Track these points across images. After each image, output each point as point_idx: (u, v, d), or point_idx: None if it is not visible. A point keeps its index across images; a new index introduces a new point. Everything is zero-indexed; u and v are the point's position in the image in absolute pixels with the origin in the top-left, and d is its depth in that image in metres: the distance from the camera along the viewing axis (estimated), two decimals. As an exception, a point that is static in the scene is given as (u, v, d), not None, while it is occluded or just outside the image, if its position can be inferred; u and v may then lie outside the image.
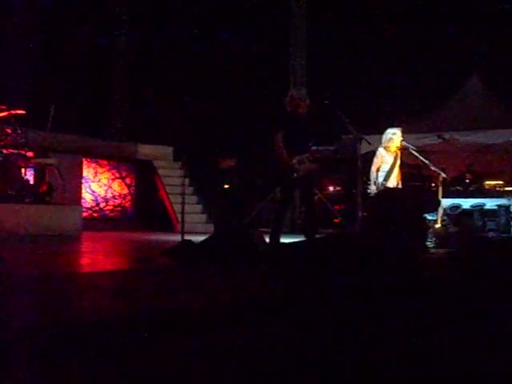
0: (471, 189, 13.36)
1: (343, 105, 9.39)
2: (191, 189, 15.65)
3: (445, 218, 11.38)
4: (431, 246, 10.40)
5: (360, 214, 9.34)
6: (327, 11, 17.15)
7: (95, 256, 7.96)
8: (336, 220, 15.62)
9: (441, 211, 11.04)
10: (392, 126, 10.10)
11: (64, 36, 15.75)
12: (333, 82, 15.68)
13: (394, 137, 9.75)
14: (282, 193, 8.78)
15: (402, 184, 9.95)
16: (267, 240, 8.00)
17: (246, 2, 17.18)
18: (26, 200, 10.73)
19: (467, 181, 13.57)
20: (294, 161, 8.01)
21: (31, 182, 11.70)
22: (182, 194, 9.55)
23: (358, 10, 17.10)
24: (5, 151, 10.75)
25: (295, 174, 8.04)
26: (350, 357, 2.16)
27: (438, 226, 10.84)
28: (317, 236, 7.97)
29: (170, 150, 16.79)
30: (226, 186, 17.61)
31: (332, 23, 17.13)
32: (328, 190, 17.93)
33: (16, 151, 10.90)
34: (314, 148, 8.39)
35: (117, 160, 16.04)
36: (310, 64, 17.40)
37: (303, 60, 17.40)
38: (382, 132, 10.04)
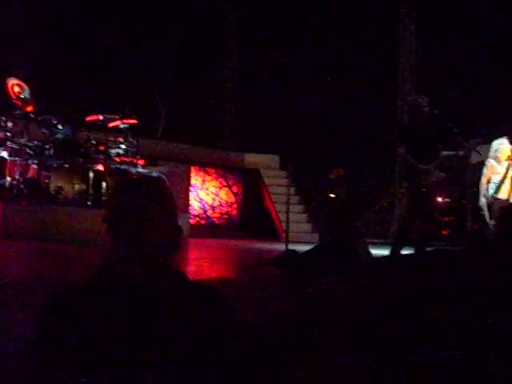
0: None
1: (453, 114, 9.15)
2: (297, 198, 15.65)
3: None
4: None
5: (469, 226, 9.08)
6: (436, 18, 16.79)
7: (201, 263, 8.10)
8: (444, 232, 15.25)
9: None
10: (498, 136, 9.76)
11: (182, 48, 16.13)
12: (442, 90, 15.29)
13: (500, 147, 9.41)
14: (411, 203, 8.57)
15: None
16: (388, 251, 7.91)
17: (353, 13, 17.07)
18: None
19: None
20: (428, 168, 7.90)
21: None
22: (287, 203, 9.58)
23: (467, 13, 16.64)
24: (117, 159, 11.13)
25: (425, 184, 7.92)
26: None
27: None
28: (427, 249, 7.79)
29: (276, 158, 16.87)
30: (332, 196, 17.52)
31: (439, 29, 16.75)
32: (436, 200, 17.51)
33: (128, 159, 11.26)
34: (443, 155, 8.24)
35: (224, 169, 16.28)
36: (419, 74, 17.13)
37: (412, 69, 17.19)
38: (490, 142, 9.73)
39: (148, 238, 1.97)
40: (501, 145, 9.43)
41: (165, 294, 1.90)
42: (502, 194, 9.30)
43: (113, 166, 10.82)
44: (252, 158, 16.76)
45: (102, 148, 10.88)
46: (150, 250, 1.95)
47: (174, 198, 2.17)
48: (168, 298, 1.90)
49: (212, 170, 16.05)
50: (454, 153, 8.53)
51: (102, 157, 10.83)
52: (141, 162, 11.65)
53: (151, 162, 12.70)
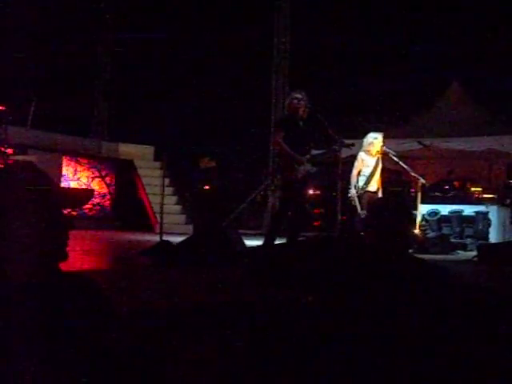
0: (450, 195, 13.36)
1: (324, 110, 9.37)
2: (171, 189, 15.58)
3: (423, 223, 11.41)
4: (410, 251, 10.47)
5: (339, 217, 9.33)
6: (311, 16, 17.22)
7: (72, 255, 7.90)
8: (316, 223, 15.66)
9: (419, 217, 11.08)
10: (374, 130, 10.10)
11: (48, 33, 15.68)
12: (314, 86, 15.67)
13: (375, 141, 9.73)
14: (283, 194, 8.62)
15: (383, 189, 9.96)
16: (261, 242, 7.98)
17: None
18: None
19: (446, 187, 13.57)
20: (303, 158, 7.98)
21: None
22: (161, 195, 9.52)
23: (343, 16, 17.18)
24: (-17, 148, 10.69)
25: (298, 175, 7.99)
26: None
27: (416, 231, 10.88)
28: (299, 239, 7.94)
29: (151, 149, 16.71)
30: (207, 187, 17.59)
31: (316, 28, 17.18)
32: (308, 192, 17.93)
33: (-5, 148, 10.84)
34: (316, 152, 8.41)
35: (97, 159, 15.95)
36: (293, 67, 17.45)
37: (286, 62, 17.47)
38: (362, 137, 10.04)
39: (17, 230, 1.87)
40: (375, 139, 9.73)
41: (40, 287, 1.84)
42: (371, 187, 9.63)
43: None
44: (126, 149, 16.51)
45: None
46: (21, 244, 1.86)
47: (49, 186, 2.04)
48: (43, 291, 1.83)
49: (84, 160, 15.67)
50: (325, 150, 8.77)
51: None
52: (9, 150, 11.24)
53: (20, 150, 12.26)
